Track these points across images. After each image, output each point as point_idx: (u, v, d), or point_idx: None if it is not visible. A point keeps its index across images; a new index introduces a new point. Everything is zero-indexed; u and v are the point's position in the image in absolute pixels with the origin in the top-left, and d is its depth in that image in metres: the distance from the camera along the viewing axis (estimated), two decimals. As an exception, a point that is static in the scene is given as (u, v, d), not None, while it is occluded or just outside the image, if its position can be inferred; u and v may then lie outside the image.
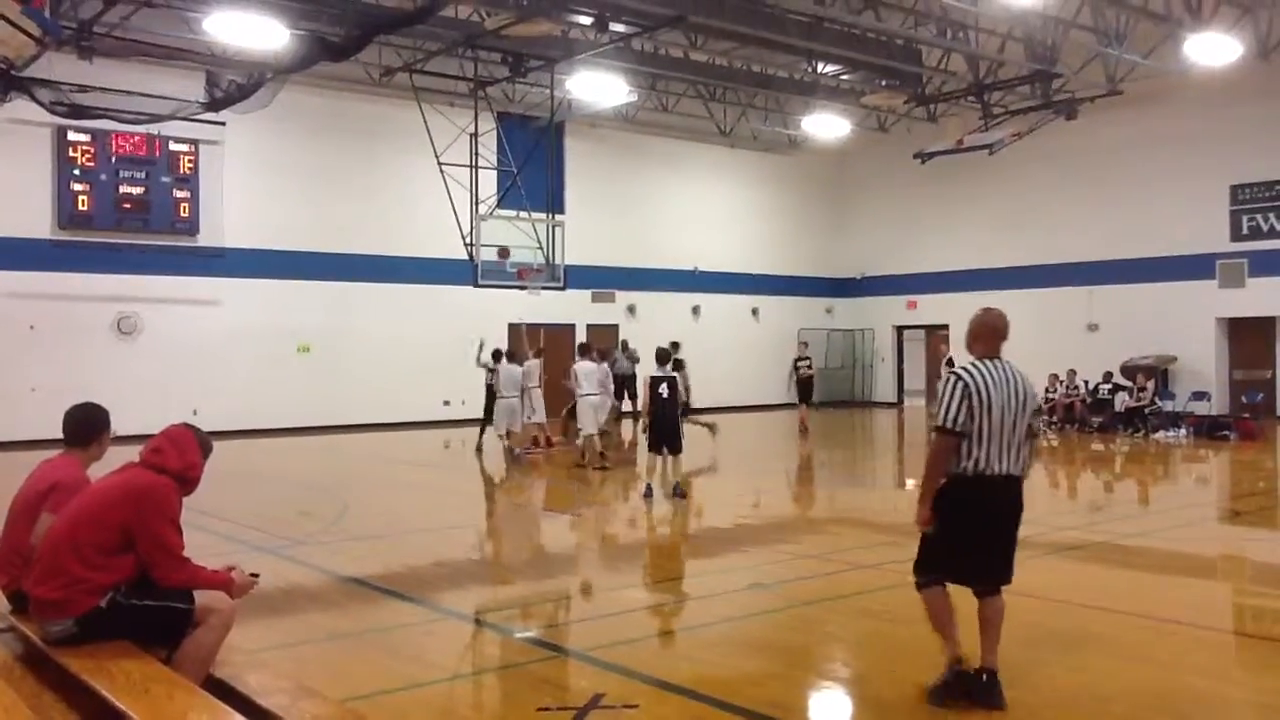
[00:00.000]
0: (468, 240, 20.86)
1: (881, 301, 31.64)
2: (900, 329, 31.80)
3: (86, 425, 5.12)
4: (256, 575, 4.94)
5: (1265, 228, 24.22)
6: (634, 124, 27.89)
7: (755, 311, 30.58)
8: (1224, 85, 22.87)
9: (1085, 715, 5.28)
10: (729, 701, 5.40)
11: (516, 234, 21.30)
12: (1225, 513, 13.13)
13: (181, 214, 21.95)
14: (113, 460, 4.82)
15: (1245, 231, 24.55)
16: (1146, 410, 21.91)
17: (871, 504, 13.58)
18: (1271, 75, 22.86)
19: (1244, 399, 23.56)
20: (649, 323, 27.51)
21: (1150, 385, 22.51)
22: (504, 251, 20.73)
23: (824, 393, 30.02)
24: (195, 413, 18.41)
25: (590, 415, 15.96)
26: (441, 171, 20.87)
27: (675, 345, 15.68)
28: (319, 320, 23.27)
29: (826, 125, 26.83)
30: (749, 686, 5.69)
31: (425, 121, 20.92)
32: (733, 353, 29.44)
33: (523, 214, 21.43)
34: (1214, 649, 6.66)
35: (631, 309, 28.14)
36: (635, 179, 28.52)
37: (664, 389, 12.70)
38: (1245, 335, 24.55)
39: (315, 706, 3.87)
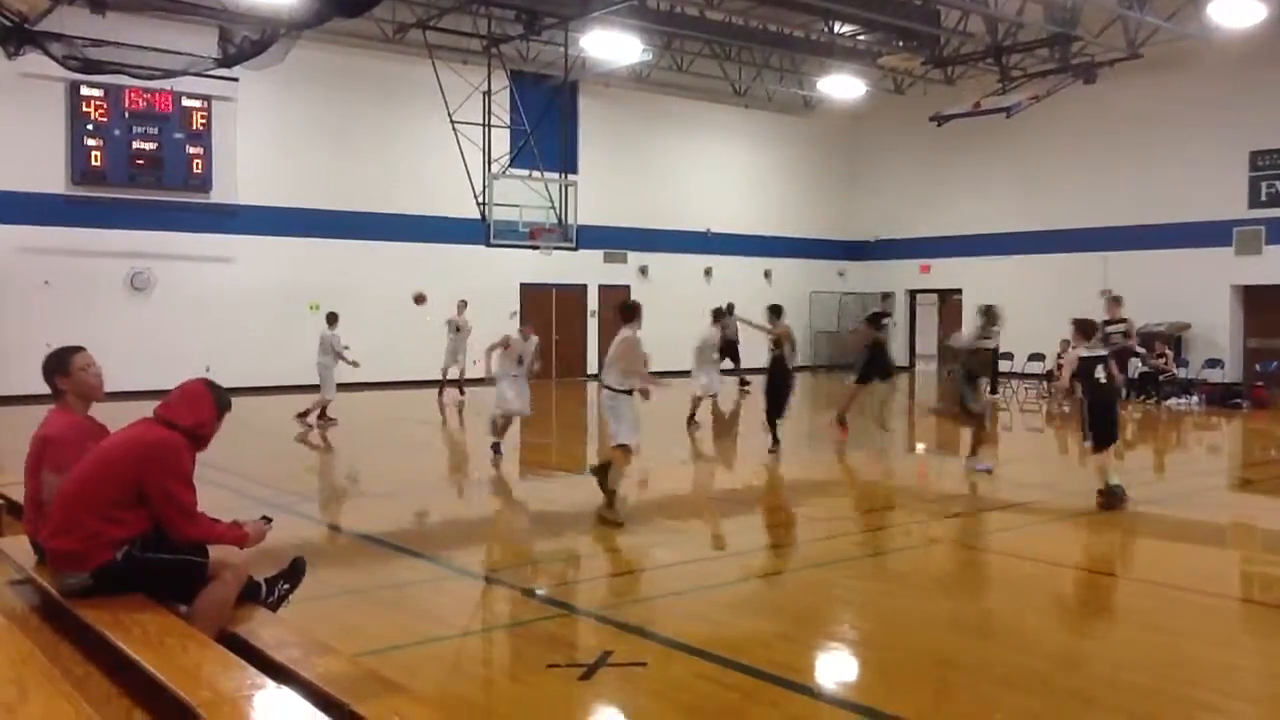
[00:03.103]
0: (480, 199, 20.80)
1: (894, 265, 31.46)
2: (913, 293, 31.65)
3: (44, 374, 4.98)
4: (269, 519, 4.96)
5: (1282, 195, 23.98)
6: (648, 84, 27.67)
7: (768, 274, 30.45)
8: (1245, 49, 22.55)
9: (1098, 680, 5.30)
10: (737, 660, 5.44)
11: (529, 194, 21.26)
12: (1236, 481, 13.12)
13: (194, 170, 21.91)
14: (129, 415, 4.84)
15: (1264, 198, 24.29)
16: (1160, 377, 21.82)
17: (884, 470, 13.58)
18: (1294, 39, 22.54)
19: (1258, 368, 23.39)
20: (662, 284, 27.47)
21: (1168, 353, 22.40)
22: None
23: (837, 355, 30.03)
24: (208, 369, 18.46)
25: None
26: (454, 130, 20.73)
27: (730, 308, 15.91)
28: (330, 278, 23.24)
29: (842, 86, 26.57)
30: (757, 647, 5.73)
31: (438, 79, 20.79)
32: (745, 316, 29.39)
33: (535, 174, 21.35)
34: (1223, 616, 6.67)
35: (644, 270, 28.08)
36: (649, 139, 28.34)
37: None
38: (1261, 303, 24.36)
39: (327, 661, 3.90)
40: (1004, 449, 15.79)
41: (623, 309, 9.36)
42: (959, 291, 29.82)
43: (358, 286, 23.43)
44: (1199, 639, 6.07)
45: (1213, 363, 23.02)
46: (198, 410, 4.67)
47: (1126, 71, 24.12)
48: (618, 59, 24.35)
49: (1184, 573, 7.72)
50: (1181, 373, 22.64)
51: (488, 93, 21.58)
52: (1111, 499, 9.58)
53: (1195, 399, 21.06)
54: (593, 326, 27.66)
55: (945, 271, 30.16)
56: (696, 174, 29.29)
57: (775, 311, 14.22)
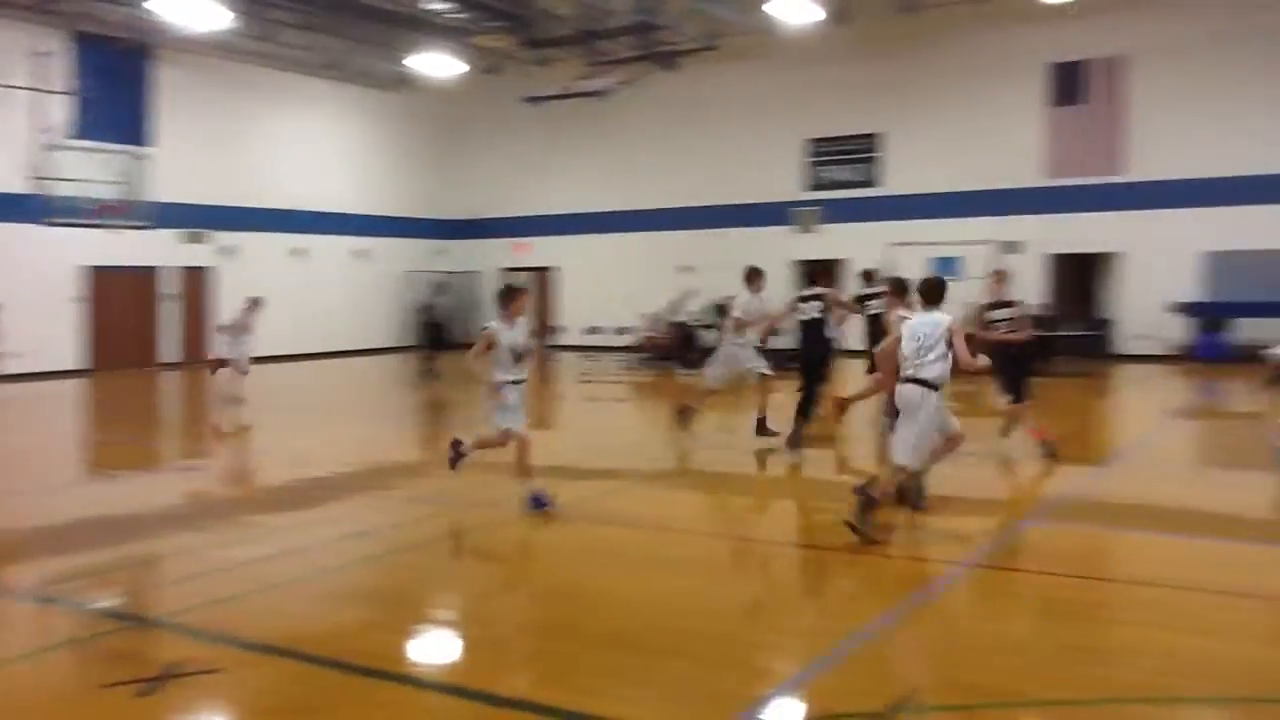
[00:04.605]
0: (34, 173, 18.67)
1: (493, 244, 31.85)
2: (509, 271, 32.16)
3: None
4: None
5: (835, 179, 26.77)
6: (235, 53, 25.98)
7: (364, 253, 29.77)
8: (805, 46, 24.89)
9: (677, 632, 5.63)
10: (322, 656, 5.26)
11: (96, 167, 19.38)
12: (812, 438, 14.47)
13: None
14: None
15: (818, 182, 27.04)
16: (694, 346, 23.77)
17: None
18: (846, 39, 25.14)
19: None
20: (251, 264, 26.09)
21: (674, 322, 24.59)
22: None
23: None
24: None
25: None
26: (-3, 93, 18.47)
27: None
28: None
29: (437, 64, 26.37)
30: (344, 638, 5.58)
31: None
32: (341, 296, 28.63)
33: (104, 146, 19.46)
34: (781, 563, 7.30)
35: (230, 250, 26.43)
36: (236, 112, 26.68)
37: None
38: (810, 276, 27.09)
39: None
40: (589, 418, 16.48)
41: (499, 295, 8.55)
42: (552, 269, 30.80)
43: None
44: (759, 583, 6.65)
45: (775, 332, 25.25)
46: None
47: (704, 61, 25.85)
48: (198, 25, 22.61)
49: (749, 524, 8.43)
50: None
51: (43, 54, 19.37)
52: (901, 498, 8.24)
53: (766, 365, 22.97)
54: (170, 312, 25.53)
55: (541, 250, 30.97)
56: (288, 149, 27.99)
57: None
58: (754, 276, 12.80)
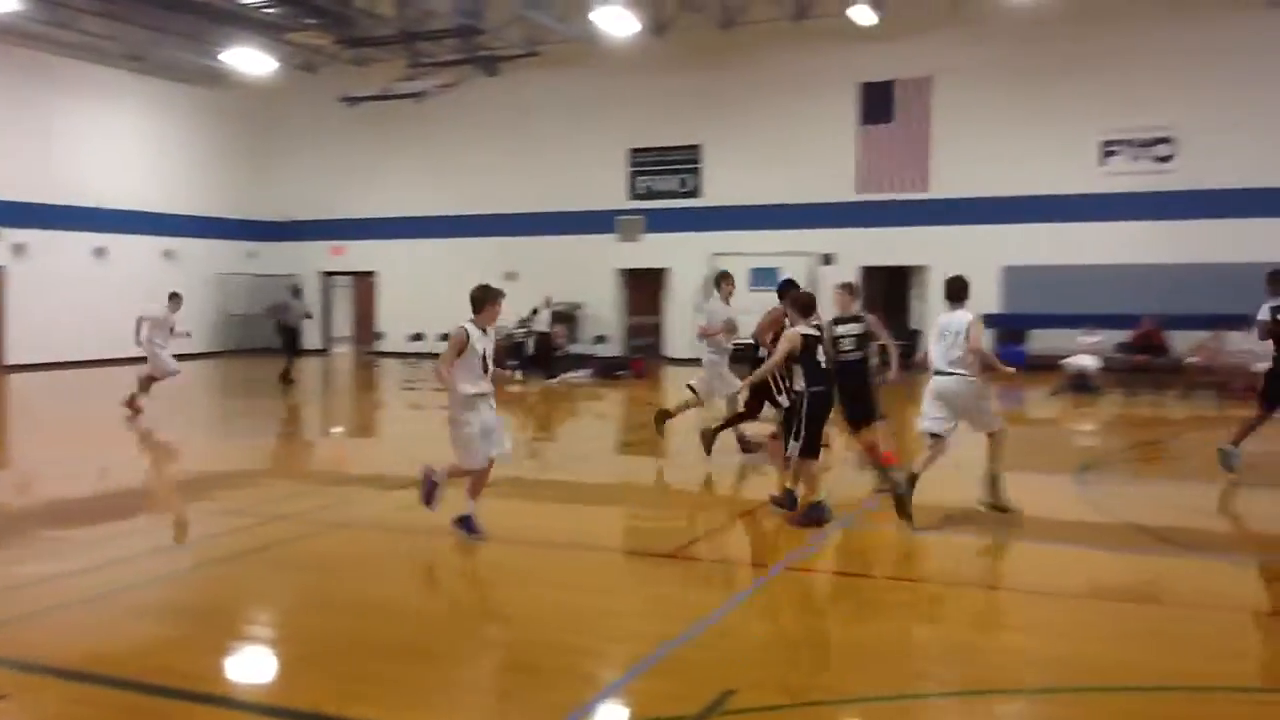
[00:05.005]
0: None
1: (308, 247, 30.90)
2: (328, 274, 31.34)
3: None
4: None
5: (657, 189, 27.16)
6: (29, 38, 24.39)
7: (170, 254, 28.39)
8: (626, 56, 25.16)
9: (491, 641, 5.57)
10: (117, 676, 5.00)
11: None
12: (619, 445, 14.62)
13: None
14: None
15: (641, 192, 27.37)
16: (556, 354, 23.74)
17: (303, 452, 13.30)
18: (667, 51, 25.54)
19: (637, 342, 26.49)
20: (46, 263, 24.56)
21: (562, 330, 24.43)
22: None
23: (246, 340, 28.93)
24: None
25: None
26: None
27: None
28: None
29: (250, 60, 25.43)
30: (146, 657, 5.31)
31: None
32: (146, 298, 27.23)
33: None
34: (607, 569, 7.35)
35: (19, 248, 24.75)
36: (29, 101, 25.03)
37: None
38: (640, 285, 27.46)
39: None
40: (412, 426, 16.21)
41: (473, 298, 7.73)
42: (373, 274, 30.19)
43: None
44: (581, 590, 6.66)
45: (600, 338, 25.50)
46: None
47: (528, 67, 25.80)
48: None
49: (573, 531, 8.42)
50: (576, 348, 24.79)
51: None
52: (815, 514, 8.20)
53: (588, 371, 23.10)
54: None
55: (360, 254, 30.27)
56: (88, 143, 26.43)
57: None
58: (723, 281, 12.08)
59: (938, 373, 8.31)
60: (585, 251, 27.28)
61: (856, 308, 9.75)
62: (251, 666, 5.50)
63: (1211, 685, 5.05)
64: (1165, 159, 22.93)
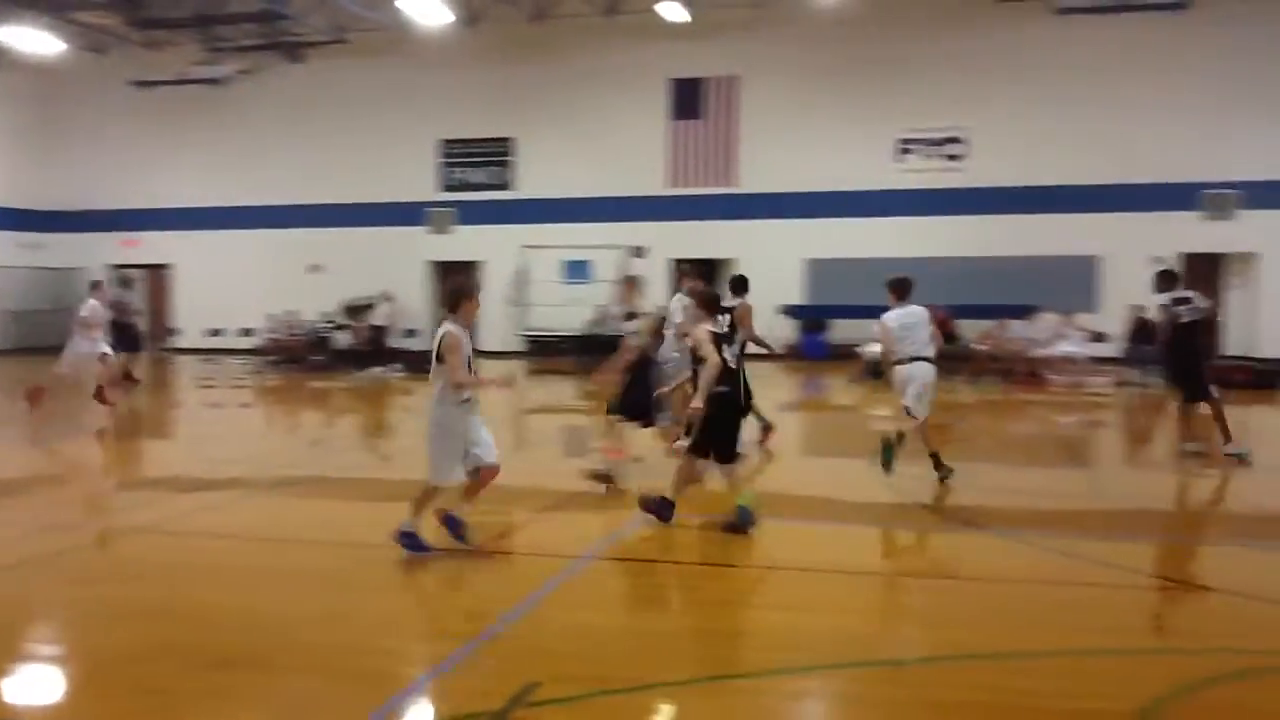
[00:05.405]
0: None
1: (97, 238, 29.14)
2: (120, 267, 29.62)
3: None
4: None
5: (469, 181, 26.87)
6: None
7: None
8: (437, 46, 24.77)
9: (275, 646, 5.39)
10: None
11: None
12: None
13: None
14: None
15: (452, 183, 27.03)
16: (365, 349, 23.21)
17: (90, 456, 12.55)
18: (478, 43, 25.27)
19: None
20: None
21: (368, 324, 23.93)
22: None
23: (28, 338, 27.10)
24: None
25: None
26: None
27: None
28: None
29: (33, 40, 23.73)
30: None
31: None
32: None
33: None
34: (406, 567, 7.20)
35: None
36: None
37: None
38: (450, 277, 27.12)
39: None
40: (210, 426, 15.56)
41: (448, 295, 7.05)
42: (169, 267, 28.80)
43: None
44: (387, 590, 6.52)
45: (411, 332, 25.04)
46: None
47: (334, 55, 25.09)
48: None
49: (382, 530, 8.23)
50: (391, 343, 24.27)
51: None
52: (744, 519, 7.69)
53: (400, 366, 22.63)
54: None
55: (155, 246, 28.79)
56: None
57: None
58: (684, 278, 11.63)
59: (916, 359, 9.46)
60: (395, 244, 26.74)
61: (640, 302, 9.89)
62: (38, 686, 5.15)
63: (975, 653, 5.34)
64: (956, 158, 24.19)
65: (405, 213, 26.82)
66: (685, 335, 10.46)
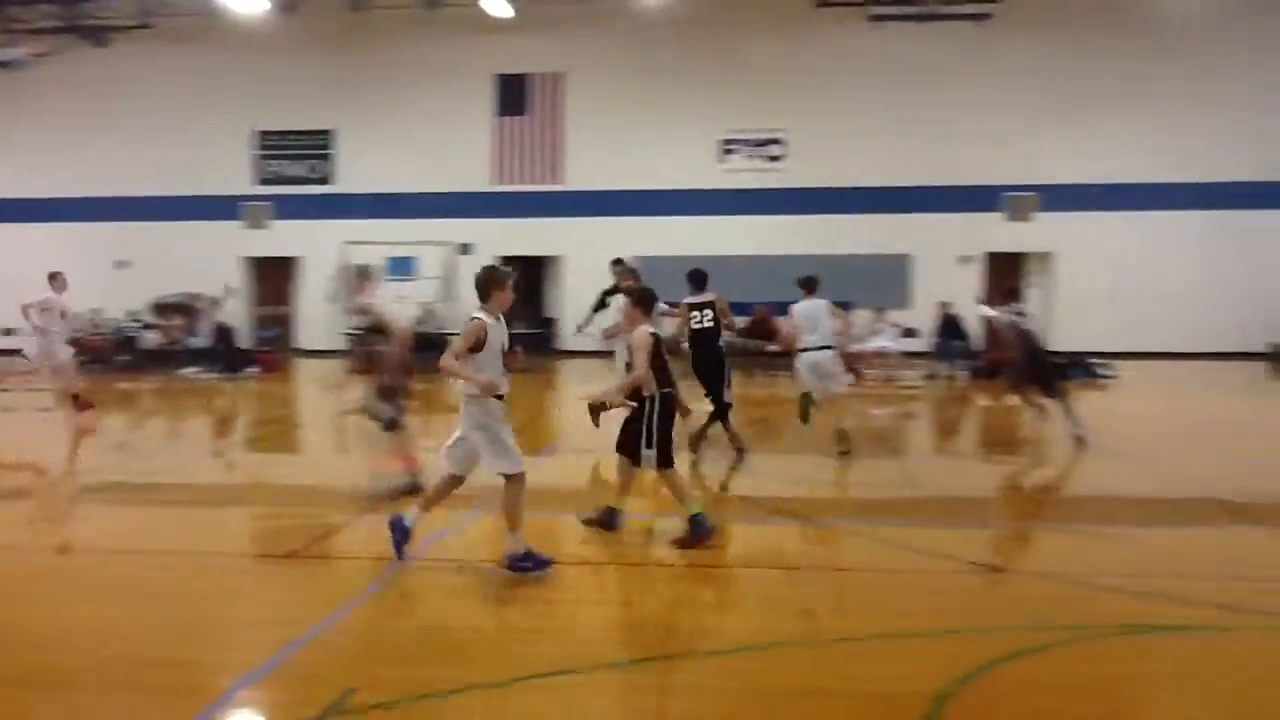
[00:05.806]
0: None
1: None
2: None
3: None
4: None
5: (287, 174, 26.02)
6: None
7: None
8: (252, 33, 23.88)
9: (113, 662, 5.11)
10: None
11: None
12: (246, 441, 13.88)
13: None
14: None
15: (268, 176, 26.11)
16: (177, 348, 22.21)
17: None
18: (295, 31, 24.51)
19: (266, 333, 25.31)
20: None
21: (181, 322, 22.87)
22: None
23: None
24: None
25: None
26: None
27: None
28: None
29: None
30: None
31: None
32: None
33: None
34: (218, 574, 6.92)
35: None
36: None
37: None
38: (268, 274, 26.23)
39: None
40: (9, 431, 14.65)
41: (478, 283, 6.41)
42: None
43: None
44: (196, 599, 6.24)
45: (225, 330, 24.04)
46: None
47: (141, 39, 23.92)
48: None
49: (188, 537, 7.88)
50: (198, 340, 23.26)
51: None
52: (699, 531, 7.32)
53: (216, 366, 21.74)
54: None
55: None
56: None
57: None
58: (620, 277, 12.30)
59: (820, 348, 10.78)
60: (208, 239, 25.66)
61: (366, 296, 9.36)
62: None
63: (801, 640, 5.51)
64: (776, 159, 24.83)
65: (219, 206, 25.78)
66: (613, 336, 10.88)
